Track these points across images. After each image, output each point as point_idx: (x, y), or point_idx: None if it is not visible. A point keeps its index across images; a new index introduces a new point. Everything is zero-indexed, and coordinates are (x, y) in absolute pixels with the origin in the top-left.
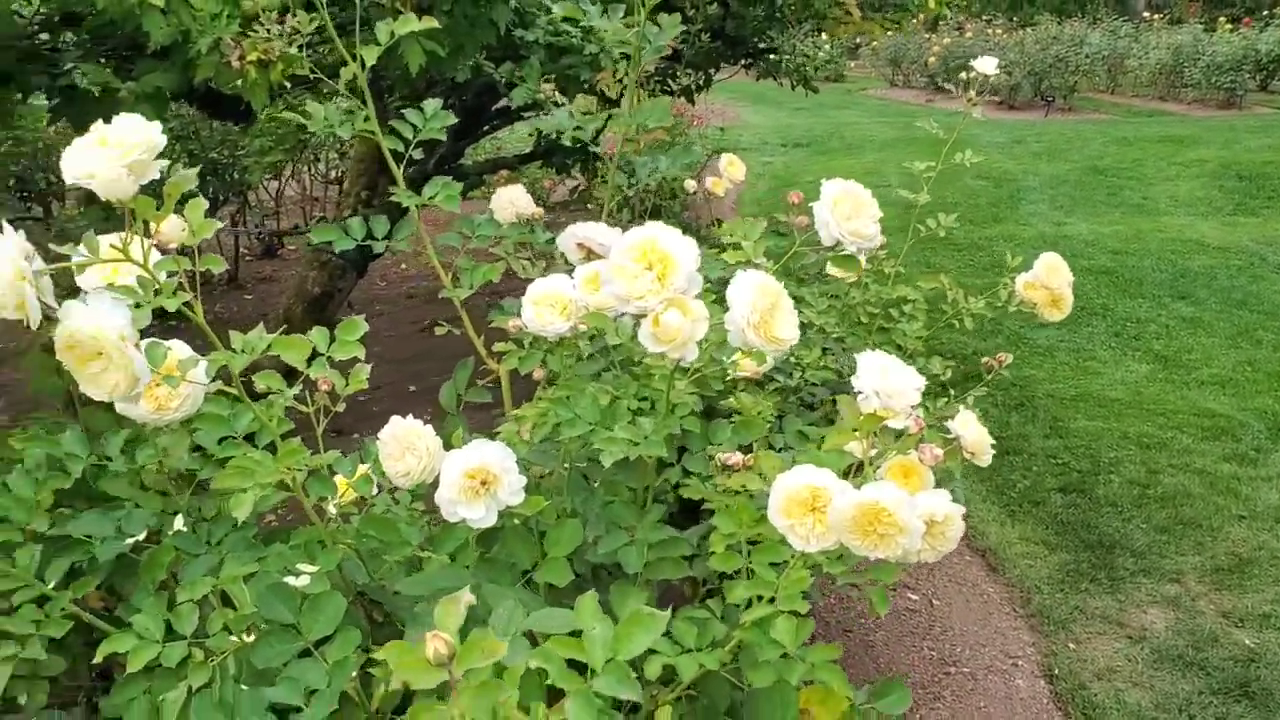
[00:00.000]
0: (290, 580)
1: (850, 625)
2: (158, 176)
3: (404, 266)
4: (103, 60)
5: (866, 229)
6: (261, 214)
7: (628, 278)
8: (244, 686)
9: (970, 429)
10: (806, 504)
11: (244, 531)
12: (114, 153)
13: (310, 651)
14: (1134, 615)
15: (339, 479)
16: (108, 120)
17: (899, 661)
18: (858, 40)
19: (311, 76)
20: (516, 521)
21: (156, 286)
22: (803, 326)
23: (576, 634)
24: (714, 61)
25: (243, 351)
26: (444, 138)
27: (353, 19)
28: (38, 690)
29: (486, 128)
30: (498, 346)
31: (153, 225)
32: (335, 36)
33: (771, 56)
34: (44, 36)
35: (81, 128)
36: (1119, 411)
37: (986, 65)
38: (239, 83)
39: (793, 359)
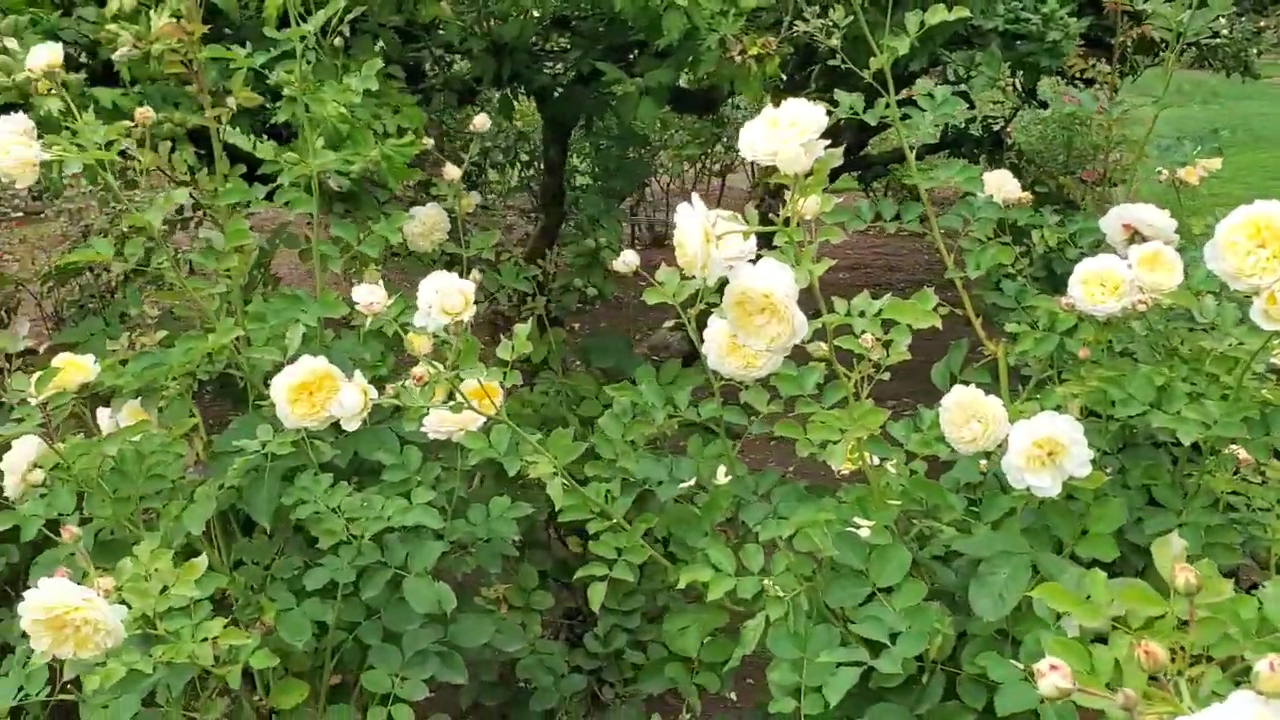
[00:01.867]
0: (855, 531)
1: None
2: (820, 155)
3: None
4: (597, 59)
5: None
6: (653, 206)
7: (1239, 255)
8: (819, 622)
9: None
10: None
11: (793, 485)
12: (792, 133)
13: (875, 596)
14: None
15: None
16: (575, 116)
17: None
18: (1263, 23)
19: (842, 68)
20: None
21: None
22: None
23: None
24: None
25: (852, 315)
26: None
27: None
28: (533, 622)
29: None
30: (1010, 327)
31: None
32: (866, 30)
33: (1210, 43)
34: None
35: (554, 122)
36: None
37: None
38: (733, 78)
39: None
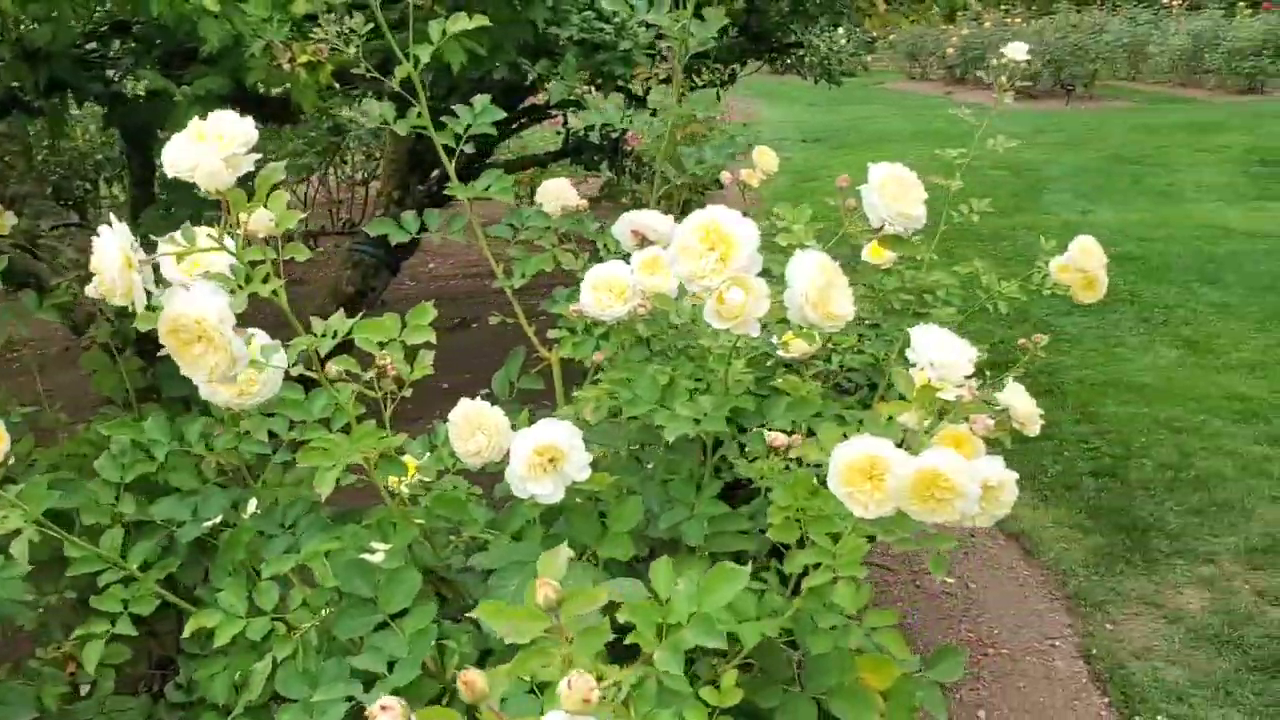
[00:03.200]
0: (369, 557)
1: (886, 608)
2: (250, 169)
3: (432, 266)
4: (151, 66)
5: (913, 210)
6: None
7: (693, 258)
8: (328, 659)
9: (1019, 399)
10: (865, 472)
11: (317, 514)
12: (214, 146)
13: (388, 624)
14: (1170, 596)
15: (408, 460)
16: (156, 124)
17: (936, 643)
18: (874, 34)
19: (368, 76)
20: (579, 500)
21: (247, 274)
22: None
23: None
24: (739, 57)
25: (324, 335)
26: (494, 133)
27: (399, 20)
28: (105, 678)
29: (514, 127)
30: (551, 333)
31: (242, 216)
32: (389, 35)
33: (797, 51)
34: (90, 45)
35: (130, 132)
36: (1149, 397)
37: (1017, 51)
38: (287, 85)
39: (830, 344)
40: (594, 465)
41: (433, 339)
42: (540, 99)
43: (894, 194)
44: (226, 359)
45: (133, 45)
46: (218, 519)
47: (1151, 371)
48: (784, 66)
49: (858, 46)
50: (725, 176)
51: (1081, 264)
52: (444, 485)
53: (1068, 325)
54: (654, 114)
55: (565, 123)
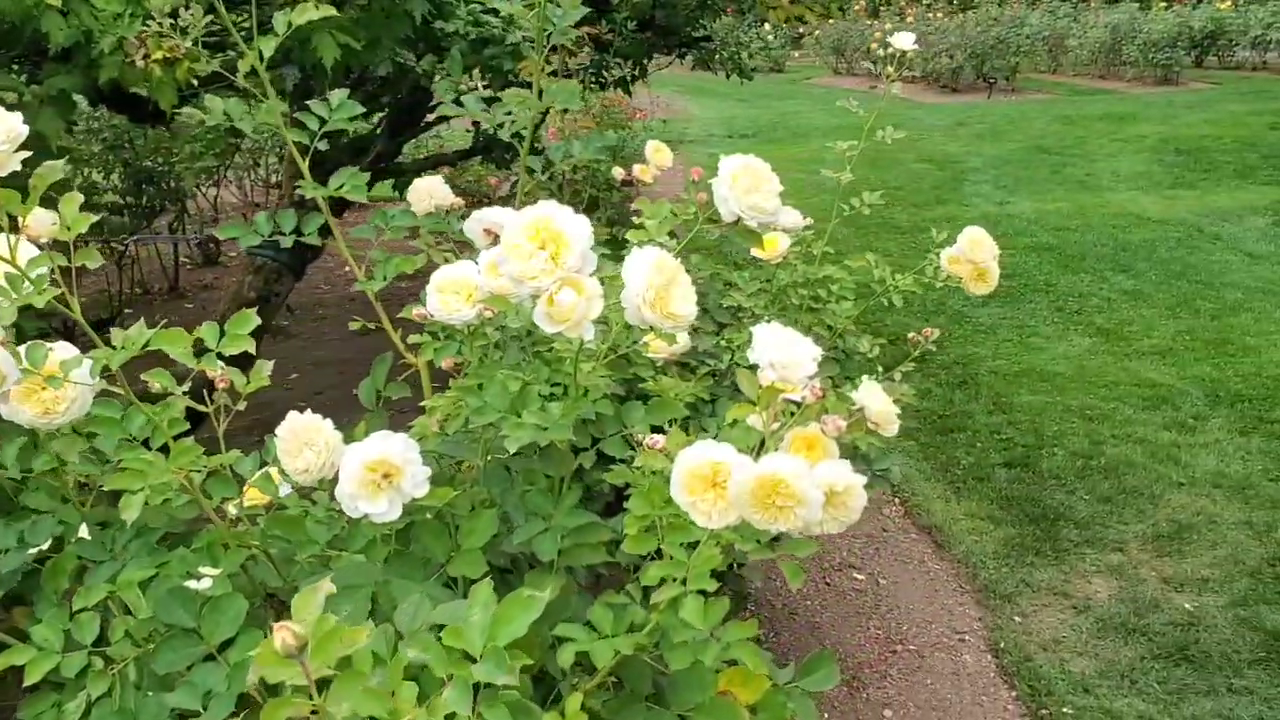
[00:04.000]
0: (192, 584)
1: (796, 608)
2: (18, 169)
3: (347, 269)
4: (14, 66)
5: (766, 203)
6: (201, 221)
7: (521, 257)
8: (148, 694)
9: (874, 399)
10: (707, 479)
11: (147, 537)
12: None
13: (214, 656)
14: (1079, 585)
15: (264, 477)
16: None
17: (845, 641)
18: (801, 29)
19: (229, 75)
20: (429, 515)
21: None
22: (733, 309)
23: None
24: (646, 52)
25: (123, 348)
26: (359, 130)
27: (258, 16)
28: None
29: (427, 124)
30: (412, 338)
31: (21, 220)
32: (231, 28)
33: (706, 45)
34: None
35: None
36: (1061, 385)
37: (903, 40)
38: (146, 83)
39: (723, 342)
40: (452, 475)
41: (251, 348)
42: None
43: (746, 186)
44: None
45: None
46: (46, 545)
47: (1064, 360)
48: (696, 61)
49: (783, 43)
50: (617, 173)
51: (971, 255)
52: (299, 502)
53: (983, 316)
54: (507, 113)
55: (475, 123)
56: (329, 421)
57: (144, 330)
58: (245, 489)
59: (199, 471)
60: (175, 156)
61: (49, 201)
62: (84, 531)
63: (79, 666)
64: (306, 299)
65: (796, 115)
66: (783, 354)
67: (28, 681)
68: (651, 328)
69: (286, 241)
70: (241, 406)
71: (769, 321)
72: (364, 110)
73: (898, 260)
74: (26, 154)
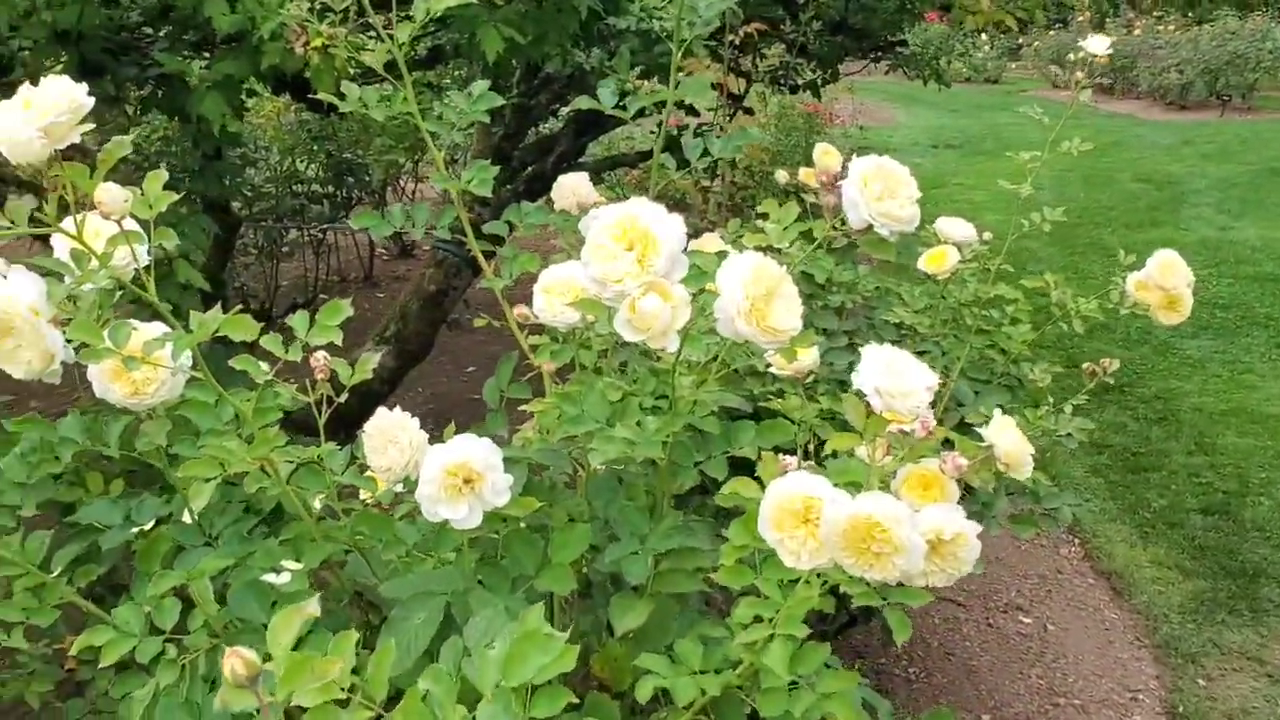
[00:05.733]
0: (271, 578)
1: (953, 648)
2: (77, 140)
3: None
4: (189, 51)
5: (901, 210)
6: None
7: (605, 259)
8: (214, 689)
9: (1005, 436)
10: (798, 515)
11: (241, 524)
12: (32, 114)
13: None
14: (1276, 652)
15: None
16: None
17: (1002, 689)
18: (1020, 40)
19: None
20: (522, 524)
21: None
22: (895, 327)
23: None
24: (839, 55)
25: (197, 329)
26: (493, 125)
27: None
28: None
29: (616, 123)
30: (530, 340)
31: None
32: (369, 11)
33: (902, 50)
34: (149, 30)
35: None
36: (1275, 429)
37: (1097, 45)
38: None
39: None
40: (552, 484)
41: (338, 339)
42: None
43: (878, 191)
44: (41, 355)
45: (169, 29)
46: (150, 524)
47: None
48: (891, 65)
49: (999, 54)
50: (780, 176)
51: (1161, 281)
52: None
53: (1192, 348)
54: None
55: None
56: (415, 420)
57: (219, 315)
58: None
59: (291, 462)
60: (365, 150)
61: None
62: (186, 516)
63: (154, 652)
64: (484, 295)
65: (1008, 127)
66: (892, 380)
67: (103, 663)
68: (746, 341)
69: (384, 230)
70: (344, 398)
71: (938, 341)
72: (500, 103)
73: (1102, 282)
74: (89, 127)
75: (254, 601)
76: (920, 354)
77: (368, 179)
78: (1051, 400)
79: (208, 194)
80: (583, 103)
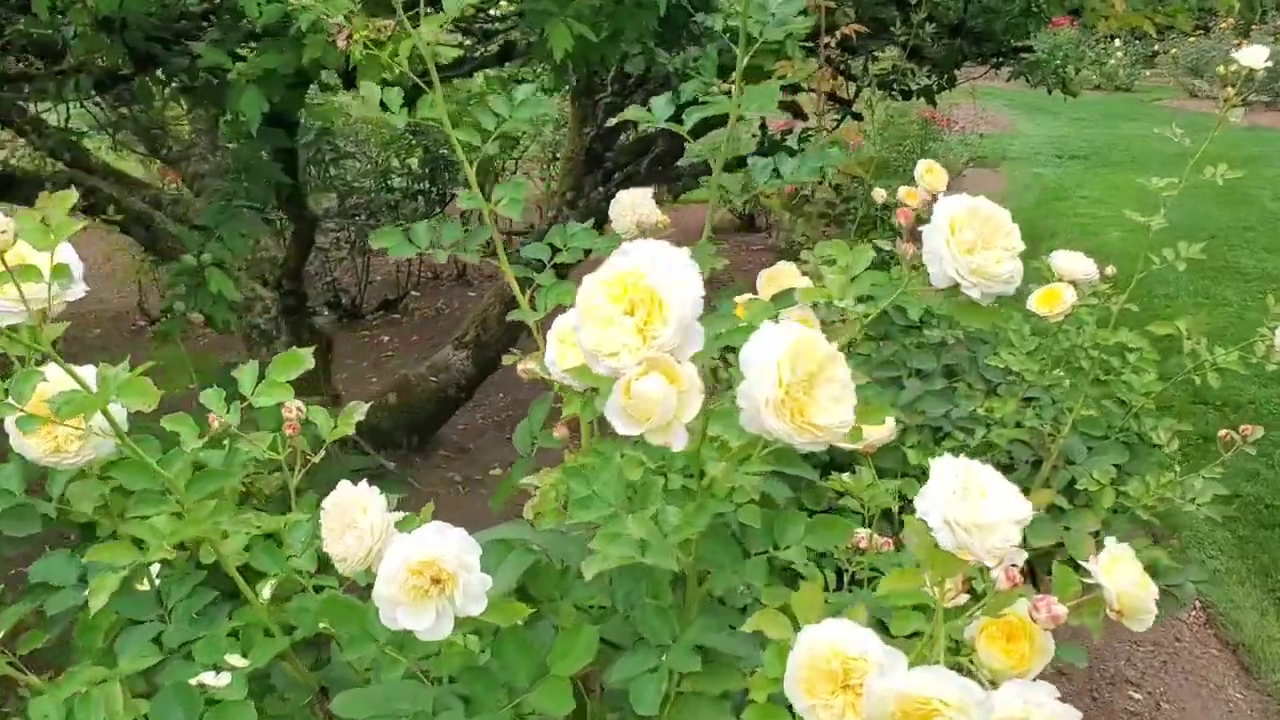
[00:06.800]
0: (208, 678)
1: None
2: None
3: None
4: (245, 43)
5: (998, 268)
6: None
7: (599, 324)
8: None
9: (1122, 575)
10: (835, 677)
11: (196, 598)
12: None
13: None
14: None
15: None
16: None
17: None
18: (1157, 47)
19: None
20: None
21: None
22: (1003, 372)
23: None
24: (956, 60)
25: (100, 392)
26: (584, 125)
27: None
28: None
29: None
30: (558, 388)
31: None
32: (399, 6)
33: (1025, 56)
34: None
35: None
36: None
37: (1253, 57)
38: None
39: (981, 410)
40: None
41: (289, 397)
42: None
43: (969, 241)
44: None
45: (215, 20)
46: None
47: None
48: (1013, 73)
49: (1132, 61)
50: (877, 195)
51: None
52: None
53: None
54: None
55: (763, 125)
56: (383, 498)
57: (124, 371)
58: None
59: (250, 532)
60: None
61: None
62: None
63: None
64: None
65: (1140, 139)
66: (969, 511)
67: None
68: (776, 439)
69: (406, 251)
70: (319, 457)
71: (1049, 388)
72: (541, 110)
73: (1236, 313)
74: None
75: (180, 708)
76: (1027, 401)
77: (463, 176)
78: (1179, 466)
79: (279, 189)
80: (630, 113)
